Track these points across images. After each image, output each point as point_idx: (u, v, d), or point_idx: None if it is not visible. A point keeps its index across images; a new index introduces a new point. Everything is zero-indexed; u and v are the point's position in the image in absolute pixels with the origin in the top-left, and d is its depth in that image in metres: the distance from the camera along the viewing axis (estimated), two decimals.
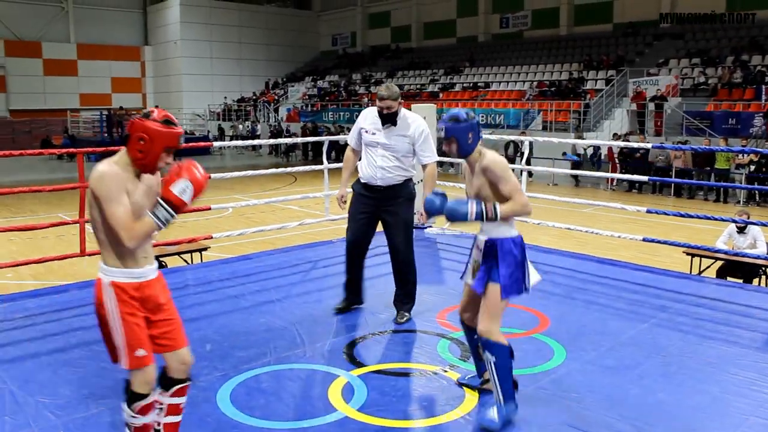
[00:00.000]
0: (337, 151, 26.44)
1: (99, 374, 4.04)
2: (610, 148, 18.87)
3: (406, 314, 5.05)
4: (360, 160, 5.11)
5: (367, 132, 4.93)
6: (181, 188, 2.74)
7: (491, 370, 3.45)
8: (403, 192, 4.97)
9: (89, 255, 6.22)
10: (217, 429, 3.43)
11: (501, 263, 3.45)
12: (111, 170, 2.73)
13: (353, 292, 5.25)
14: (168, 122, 2.78)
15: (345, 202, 5.21)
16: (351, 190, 5.18)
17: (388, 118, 4.82)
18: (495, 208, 3.40)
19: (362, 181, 5.01)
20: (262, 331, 4.81)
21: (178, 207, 2.77)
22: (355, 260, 5.13)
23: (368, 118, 4.97)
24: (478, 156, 3.52)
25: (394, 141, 4.87)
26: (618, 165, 18.72)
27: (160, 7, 38.65)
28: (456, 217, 3.46)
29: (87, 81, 37.33)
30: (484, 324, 3.46)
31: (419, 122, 4.94)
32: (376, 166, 4.90)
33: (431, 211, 3.59)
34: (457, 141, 3.50)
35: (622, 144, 13.10)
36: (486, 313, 3.46)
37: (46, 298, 5.55)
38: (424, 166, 5.02)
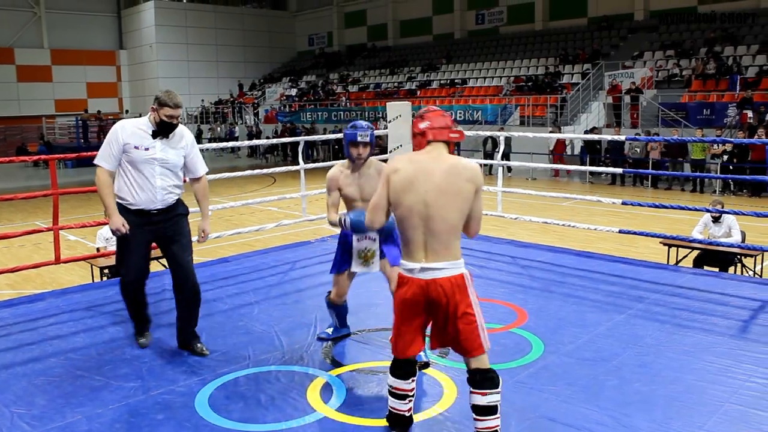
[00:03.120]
0: (317, 151, 26.44)
1: (75, 383, 4.00)
2: (558, 142, 19.28)
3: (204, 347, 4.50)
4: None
5: (138, 148, 4.19)
6: None
7: None
8: (180, 208, 4.46)
9: (64, 262, 6.17)
10: None
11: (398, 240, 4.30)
12: None
13: (147, 320, 4.68)
14: None
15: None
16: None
17: (168, 130, 4.26)
18: None
19: (134, 207, 4.26)
20: (240, 334, 4.79)
21: None
22: (139, 296, 4.52)
23: (131, 132, 4.25)
24: (372, 161, 4.35)
25: (170, 155, 4.29)
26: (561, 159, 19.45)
27: (134, 11, 38.33)
28: (362, 228, 3.95)
29: (62, 87, 36.92)
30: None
31: (188, 132, 4.47)
32: (156, 187, 4.24)
33: (361, 229, 4.02)
34: (371, 146, 4.30)
35: (596, 137, 13.19)
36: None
37: (21, 307, 5.48)
38: (196, 179, 4.52)
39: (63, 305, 5.52)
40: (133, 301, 4.53)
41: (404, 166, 3.00)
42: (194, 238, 4.57)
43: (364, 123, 4.33)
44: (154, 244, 4.48)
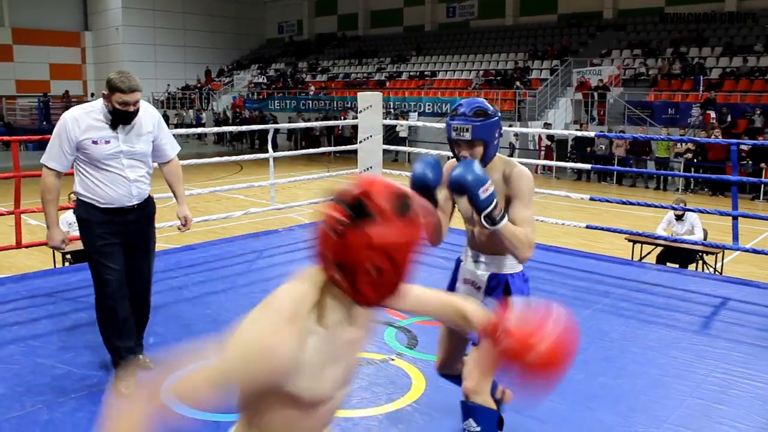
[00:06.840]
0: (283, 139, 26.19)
1: (35, 371, 3.91)
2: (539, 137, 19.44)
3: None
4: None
5: (97, 143, 3.57)
6: None
7: None
8: (151, 206, 3.91)
9: (26, 247, 6.02)
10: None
11: (526, 289, 2.89)
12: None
13: (135, 339, 3.97)
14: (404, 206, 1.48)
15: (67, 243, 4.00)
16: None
17: (129, 117, 3.59)
18: (503, 216, 2.57)
19: (105, 207, 3.66)
20: (207, 323, 4.73)
21: None
22: (125, 312, 3.80)
23: (87, 125, 3.58)
24: (498, 162, 2.72)
25: (137, 145, 3.70)
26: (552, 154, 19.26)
27: None
28: (472, 185, 2.49)
29: (23, 67, 35.99)
30: (474, 381, 2.66)
31: (151, 109, 3.83)
32: (131, 181, 3.68)
33: (420, 185, 2.64)
34: (485, 144, 2.62)
35: (567, 132, 13.34)
36: (478, 368, 2.66)
37: None
38: (165, 163, 4.00)
39: (23, 291, 5.39)
40: (118, 322, 3.76)
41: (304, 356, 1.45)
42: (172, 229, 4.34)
43: (466, 107, 2.63)
44: None
